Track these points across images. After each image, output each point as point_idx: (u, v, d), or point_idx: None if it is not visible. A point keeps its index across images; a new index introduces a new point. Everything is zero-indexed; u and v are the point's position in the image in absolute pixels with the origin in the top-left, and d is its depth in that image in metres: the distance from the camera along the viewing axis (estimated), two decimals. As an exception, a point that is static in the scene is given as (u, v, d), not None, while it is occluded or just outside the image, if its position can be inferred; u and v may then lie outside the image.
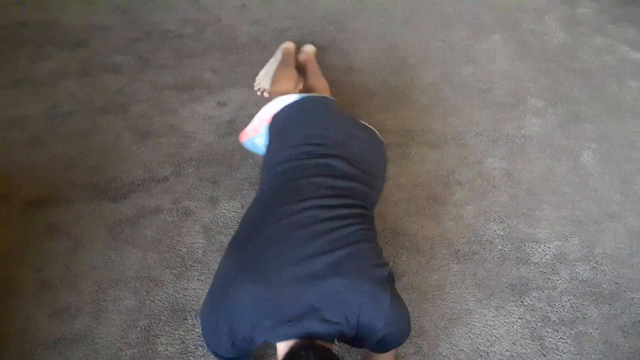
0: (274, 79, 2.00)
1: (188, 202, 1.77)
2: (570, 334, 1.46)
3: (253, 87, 2.23)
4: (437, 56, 2.49)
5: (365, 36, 2.61)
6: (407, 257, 1.63)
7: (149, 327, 1.44)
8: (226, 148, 1.97)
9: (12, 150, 1.94)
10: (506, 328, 1.46)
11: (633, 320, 1.49)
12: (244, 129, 1.75)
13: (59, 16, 2.70)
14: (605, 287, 1.57)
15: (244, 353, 1.19)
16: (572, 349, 1.42)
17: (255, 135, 1.65)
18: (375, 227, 1.30)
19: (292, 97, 1.55)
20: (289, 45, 2.34)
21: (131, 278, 1.55)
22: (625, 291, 1.57)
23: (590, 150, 2.03)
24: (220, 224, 1.70)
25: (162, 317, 1.46)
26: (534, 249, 1.67)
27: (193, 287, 1.53)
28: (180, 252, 1.62)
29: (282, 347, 1.06)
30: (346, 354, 1.39)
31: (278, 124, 1.52)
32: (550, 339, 1.44)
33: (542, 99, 2.26)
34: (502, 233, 1.71)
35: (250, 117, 2.10)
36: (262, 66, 2.33)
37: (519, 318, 1.49)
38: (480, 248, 1.66)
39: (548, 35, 2.67)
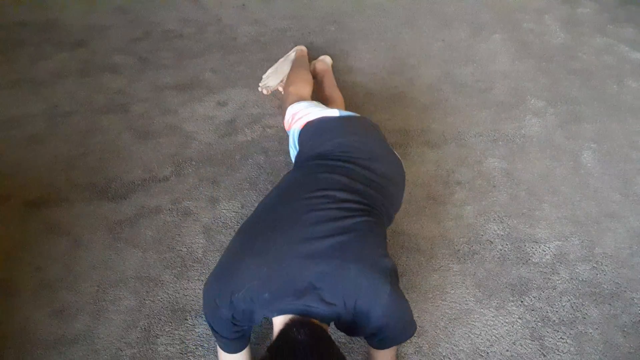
0: (292, 79, 1.99)
1: (188, 202, 1.77)
2: (570, 334, 1.46)
3: (258, 85, 2.23)
4: (437, 56, 2.49)
5: (365, 36, 2.61)
6: (407, 257, 1.63)
7: (149, 327, 1.44)
8: (226, 148, 1.97)
9: (12, 150, 1.94)
10: (506, 328, 1.46)
11: (633, 320, 1.49)
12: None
13: (59, 16, 2.70)
14: (605, 287, 1.57)
15: (244, 333, 1.21)
16: (572, 349, 1.42)
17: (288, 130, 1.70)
18: (385, 229, 1.31)
19: (334, 112, 1.57)
20: (303, 48, 2.34)
21: (131, 278, 1.55)
22: (625, 291, 1.57)
23: (590, 150, 2.03)
24: (220, 224, 1.70)
25: (162, 317, 1.46)
26: (534, 249, 1.67)
27: (193, 287, 1.53)
28: (180, 252, 1.62)
29: (278, 322, 1.07)
30: (346, 354, 1.39)
31: (316, 128, 1.54)
32: (550, 339, 1.44)
33: (542, 99, 2.26)
34: (502, 233, 1.71)
35: (251, 117, 2.11)
36: (263, 66, 2.33)
37: (519, 318, 1.49)
38: (480, 248, 1.66)
39: (548, 35, 2.67)
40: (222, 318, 1.14)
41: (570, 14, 2.86)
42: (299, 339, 0.98)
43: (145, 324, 1.44)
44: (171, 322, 1.45)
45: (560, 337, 1.45)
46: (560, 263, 1.63)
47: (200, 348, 1.40)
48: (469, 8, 2.87)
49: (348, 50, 2.50)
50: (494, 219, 1.75)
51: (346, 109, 2.12)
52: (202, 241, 1.65)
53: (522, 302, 1.52)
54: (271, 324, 1.14)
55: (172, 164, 1.90)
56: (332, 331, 1.28)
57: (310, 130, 1.54)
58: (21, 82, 2.25)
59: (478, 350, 1.41)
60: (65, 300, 1.49)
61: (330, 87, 2.08)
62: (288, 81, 2.01)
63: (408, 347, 1.41)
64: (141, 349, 1.39)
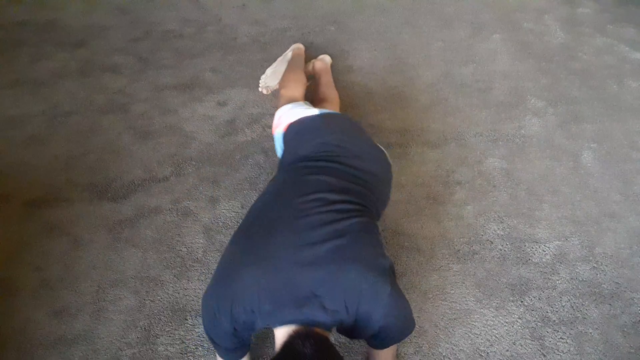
0: (285, 81, 2.00)
1: (188, 202, 1.77)
2: (570, 334, 1.46)
3: (258, 85, 2.23)
4: (437, 56, 2.49)
5: (365, 36, 2.61)
6: (407, 257, 1.63)
7: (149, 327, 1.44)
8: (226, 148, 1.97)
9: (12, 150, 1.94)
10: (506, 328, 1.46)
11: (633, 320, 1.49)
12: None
13: (59, 16, 2.70)
14: (605, 287, 1.57)
15: (243, 342, 1.20)
16: (572, 349, 1.42)
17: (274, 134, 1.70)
18: (378, 226, 1.31)
19: (314, 111, 1.57)
20: (300, 46, 2.34)
21: (131, 278, 1.55)
22: (625, 291, 1.57)
23: (590, 150, 2.03)
24: (220, 224, 1.70)
25: (162, 317, 1.46)
26: (534, 249, 1.67)
27: (193, 287, 1.53)
28: (180, 252, 1.62)
29: (281, 333, 1.06)
30: (346, 354, 1.40)
31: (297, 129, 1.54)
32: (550, 339, 1.44)
33: (542, 99, 2.26)
34: (502, 233, 1.71)
35: (251, 117, 2.11)
36: (263, 66, 2.33)
37: (519, 318, 1.49)
38: (480, 248, 1.66)
39: (548, 35, 2.67)
40: (222, 329, 1.12)
41: (570, 14, 2.86)
42: (305, 353, 0.97)
43: (145, 324, 1.44)
44: (171, 322, 1.45)
45: (560, 337, 1.45)
46: (560, 263, 1.63)
47: (200, 348, 1.40)
48: (469, 8, 2.87)
49: (348, 50, 2.50)
50: (494, 219, 1.75)
51: (346, 109, 2.12)
52: (202, 241, 1.65)
53: (522, 302, 1.52)
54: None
55: (172, 164, 1.90)
56: (332, 332, 1.28)
57: (292, 132, 1.54)
58: (21, 82, 2.25)
59: (478, 350, 1.41)
60: (65, 300, 1.49)
61: (327, 86, 2.08)
62: (281, 83, 2.01)
63: (408, 347, 1.41)
64: (141, 349, 1.39)
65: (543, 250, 1.66)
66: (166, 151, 1.95)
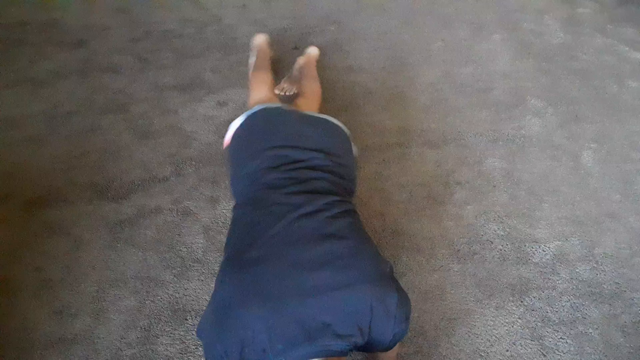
0: (250, 88, 1.95)
1: (188, 202, 1.77)
2: (570, 334, 1.46)
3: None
4: (437, 56, 2.49)
5: (365, 36, 2.61)
6: (407, 257, 1.63)
7: (149, 327, 1.44)
8: (226, 148, 1.97)
9: (12, 150, 1.94)
10: (506, 328, 1.46)
11: (633, 320, 1.49)
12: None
13: (59, 16, 2.70)
14: (605, 287, 1.57)
15: None
16: (572, 349, 1.42)
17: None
18: (358, 213, 1.29)
19: (238, 120, 1.53)
20: (262, 40, 2.28)
21: (131, 278, 1.55)
22: (625, 291, 1.57)
23: (590, 150, 2.03)
24: (220, 224, 1.70)
25: (162, 317, 1.46)
26: (534, 249, 1.67)
27: (193, 287, 1.53)
28: (180, 252, 1.62)
29: None
30: (346, 354, 1.40)
31: (233, 147, 1.51)
32: (550, 339, 1.44)
33: (542, 99, 2.26)
34: (502, 233, 1.71)
35: (250, 117, 2.11)
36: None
37: (519, 318, 1.49)
38: (480, 248, 1.66)
39: (548, 35, 2.67)
40: None
41: (570, 14, 2.86)
42: None
43: (145, 324, 1.44)
44: (171, 322, 1.45)
45: (560, 337, 1.45)
46: (560, 263, 1.63)
47: (200, 348, 1.39)
48: (469, 8, 2.87)
49: (348, 50, 2.49)
50: (494, 219, 1.75)
51: (346, 109, 2.13)
52: (202, 241, 1.65)
53: (522, 302, 1.52)
54: None
55: (172, 164, 1.90)
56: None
57: (233, 148, 1.49)
58: (21, 82, 2.25)
59: (478, 350, 1.41)
60: (65, 300, 1.49)
61: (307, 79, 2.04)
62: (248, 91, 1.98)
63: (408, 347, 1.41)
64: (141, 349, 1.39)
65: (543, 250, 1.66)
66: (166, 151, 1.95)
